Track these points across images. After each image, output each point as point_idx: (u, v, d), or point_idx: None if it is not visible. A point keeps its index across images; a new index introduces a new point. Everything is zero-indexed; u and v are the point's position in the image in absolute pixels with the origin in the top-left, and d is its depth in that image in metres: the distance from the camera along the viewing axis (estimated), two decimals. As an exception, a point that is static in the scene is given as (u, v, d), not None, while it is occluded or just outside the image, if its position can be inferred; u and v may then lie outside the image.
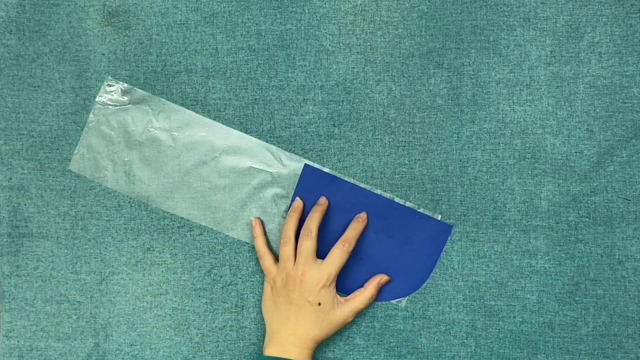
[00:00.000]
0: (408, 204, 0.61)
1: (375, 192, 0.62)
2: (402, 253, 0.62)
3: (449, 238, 0.61)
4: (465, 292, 0.62)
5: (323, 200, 0.61)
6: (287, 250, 0.59)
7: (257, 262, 0.63)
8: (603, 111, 0.59)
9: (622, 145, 0.60)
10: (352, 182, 0.62)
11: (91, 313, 0.65)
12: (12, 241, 0.65)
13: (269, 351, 0.57)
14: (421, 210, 0.61)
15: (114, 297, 0.65)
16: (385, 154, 0.62)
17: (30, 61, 0.64)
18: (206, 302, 0.64)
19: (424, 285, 0.62)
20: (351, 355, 0.63)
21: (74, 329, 0.65)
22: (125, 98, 0.63)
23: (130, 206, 0.64)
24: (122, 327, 0.65)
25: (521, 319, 0.61)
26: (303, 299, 0.57)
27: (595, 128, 0.60)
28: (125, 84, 0.63)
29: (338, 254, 0.58)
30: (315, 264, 0.58)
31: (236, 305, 0.64)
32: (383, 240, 0.62)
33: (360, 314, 0.62)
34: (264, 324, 0.63)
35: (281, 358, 0.56)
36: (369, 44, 0.61)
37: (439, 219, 0.61)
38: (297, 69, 0.62)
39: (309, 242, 0.58)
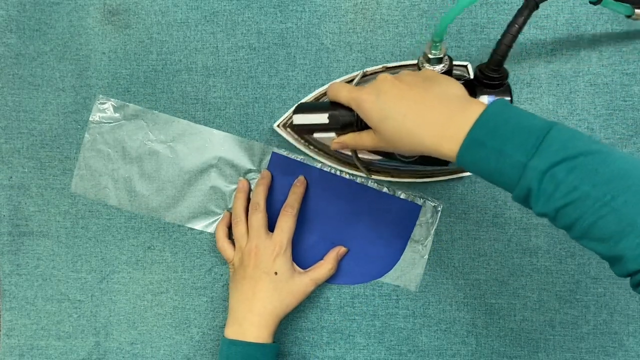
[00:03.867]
0: (374, 185, 0.61)
1: (343, 176, 0.62)
2: (372, 235, 0.62)
3: (436, 222, 0.61)
4: (466, 291, 0.62)
5: (265, 174, 0.61)
6: (239, 229, 0.59)
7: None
8: (603, 109, 0.59)
9: (622, 143, 0.60)
10: (319, 167, 0.62)
11: (92, 312, 0.65)
12: (13, 240, 0.65)
13: (227, 332, 0.57)
14: (398, 194, 0.61)
15: (114, 296, 0.65)
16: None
17: (30, 60, 0.64)
18: (207, 301, 0.64)
19: (424, 283, 0.62)
20: (352, 353, 0.63)
21: (74, 328, 0.65)
22: (118, 114, 0.63)
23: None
24: (123, 325, 0.65)
25: (522, 317, 0.61)
26: (259, 271, 0.57)
27: (596, 126, 0.60)
28: (117, 100, 0.63)
29: (284, 221, 0.58)
30: (266, 236, 0.58)
31: (237, 304, 0.64)
32: (352, 223, 0.62)
33: (360, 313, 0.62)
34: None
35: (237, 341, 0.55)
36: (369, 42, 0.61)
37: (420, 202, 0.61)
38: (297, 67, 0.62)
39: (257, 215, 0.58)
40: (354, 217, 0.62)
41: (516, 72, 0.60)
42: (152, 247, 0.64)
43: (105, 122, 0.63)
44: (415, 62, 0.50)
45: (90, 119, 0.63)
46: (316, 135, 0.52)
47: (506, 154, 0.37)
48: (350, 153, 0.56)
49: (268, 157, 0.62)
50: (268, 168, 0.62)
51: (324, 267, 0.60)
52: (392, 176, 0.60)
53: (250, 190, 0.62)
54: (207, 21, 0.63)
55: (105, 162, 0.64)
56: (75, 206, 0.65)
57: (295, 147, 0.61)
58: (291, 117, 0.54)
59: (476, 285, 0.62)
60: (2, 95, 0.65)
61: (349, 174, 0.61)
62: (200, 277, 0.64)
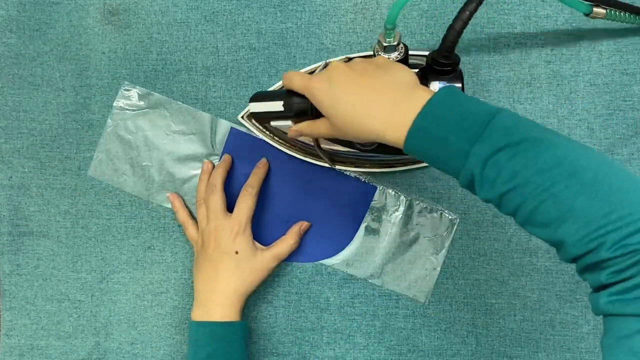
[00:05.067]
0: (328, 165, 0.61)
1: (301, 158, 0.61)
2: (327, 214, 0.62)
3: (451, 235, 0.61)
4: (466, 291, 0.62)
5: (226, 157, 0.62)
6: (201, 211, 0.60)
7: (258, 260, 0.63)
8: (603, 109, 0.59)
9: (622, 143, 0.59)
10: (277, 147, 0.61)
11: (92, 312, 0.65)
12: (13, 240, 0.65)
13: (193, 315, 0.57)
14: (415, 203, 0.61)
15: (114, 296, 0.65)
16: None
17: (30, 60, 0.64)
18: (207, 301, 0.64)
19: (423, 281, 0.62)
20: (352, 353, 0.63)
21: (74, 328, 0.65)
22: (143, 102, 0.63)
23: (131, 205, 0.64)
24: (123, 325, 0.65)
25: (522, 317, 0.61)
26: (219, 251, 0.57)
27: (596, 126, 0.60)
28: (143, 89, 0.63)
29: (244, 200, 0.58)
30: (225, 216, 0.58)
31: (237, 304, 0.64)
32: (308, 202, 0.62)
33: (360, 312, 0.62)
34: (265, 323, 0.63)
35: (204, 322, 0.56)
36: (369, 42, 0.61)
37: (436, 214, 0.61)
38: (297, 67, 0.62)
39: (214, 197, 0.58)
40: (310, 197, 0.62)
41: (516, 72, 0.60)
42: (152, 247, 0.64)
43: (128, 109, 0.63)
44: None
45: (114, 104, 0.63)
46: (273, 123, 0.52)
47: (450, 141, 0.38)
48: (312, 143, 0.56)
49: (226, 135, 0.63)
50: (226, 142, 0.62)
51: (286, 242, 0.60)
52: (356, 166, 0.60)
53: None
54: (207, 21, 0.63)
55: (125, 148, 0.64)
56: (75, 206, 0.65)
57: (260, 138, 0.61)
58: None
59: (476, 285, 0.62)
60: (2, 95, 0.65)
61: (312, 163, 0.61)
62: (200, 277, 0.64)
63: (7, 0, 0.64)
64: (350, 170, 0.61)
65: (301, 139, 0.59)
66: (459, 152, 0.38)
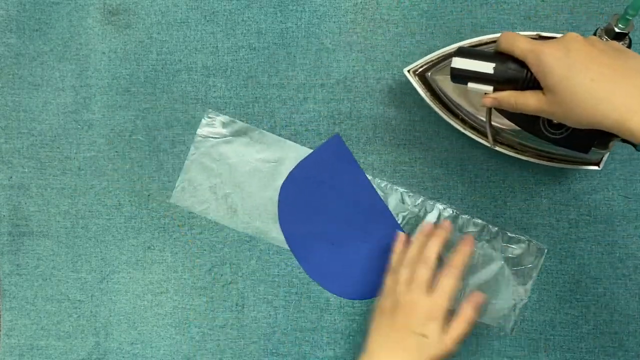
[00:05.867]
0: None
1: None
2: (370, 256, 0.62)
3: (539, 266, 0.61)
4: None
5: (447, 225, 0.57)
6: (405, 273, 0.54)
7: (258, 260, 0.63)
8: (604, 109, 0.59)
9: (622, 142, 0.59)
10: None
11: (92, 312, 0.65)
12: (13, 240, 0.65)
13: None
14: (505, 237, 0.60)
15: (114, 296, 0.65)
16: (386, 152, 0.62)
17: (30, 60, 0.64)
18: (207, 301, 0.64)
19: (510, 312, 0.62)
20: (352, 353, 0.63)
21: (74, 328, 0.65)
22: (226, 130, 0.63)
23: (131, 205, 0.64)
24: (123, 325, 0.65)
25: (522, 317, 0.61)
26: (407, 328, 0.52)
27: (596, 126, 0.60)
28: (226, 117, 0.63)
29: (448, 283, 0.52)
30: (427, 293, 0.52)
31: (237, 304, 0.64)
32: (357, 240, 0.62)
33: (360, 312, 0.62)
34: (265, 323, 0.63)
35: None
36: (369, 42, 0.61)
37: (524, 244, 0.60)
38: (297, 67, 0.62)
39: (425, 271, 0.53)
40: (367, 236, 0.62)
41: (516, 72, 0.60)
42: (152, 247, 0.64)
43: (212, 137, 0.63)
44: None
45: (198, 132, 0.63)
46: (470, 85, 0.46)
47: None
48: (484, 117, 0.52)
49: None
50: (324, 144, 0.62)
51: (463, 323, 0.53)
52: (517, 151, 0.56)
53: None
54: (207, 21, 0.63)
55: (208, 176, 0.63)
56: (75, 206, 0.65)
57: (422, 99, 0.57)
58: (426, 65, 0.49)
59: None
60: (2, 95, 0.65)
61: (473, 139, 0.57)
62: (200, 277, 0.64)
63: (7, 0, 0.64)
64: (509, 154, 0.57)
65: (465, 106, 0.55)
66: None
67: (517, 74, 0.44)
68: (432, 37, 0.61)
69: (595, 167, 0.56)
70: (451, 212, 0.61)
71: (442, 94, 0.56)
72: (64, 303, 0.65)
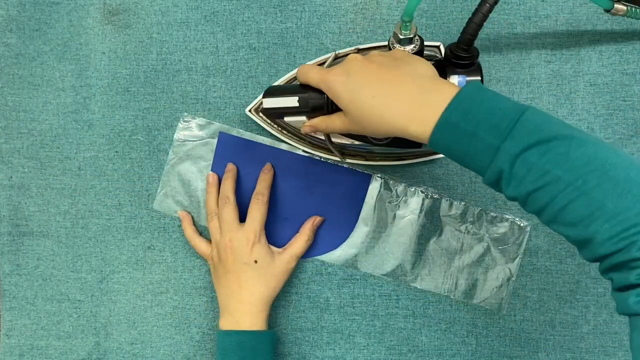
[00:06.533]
0: (323, 157, 0.61)
1: (293, 151, 0.61)
2: (325, 208, 0.62)
3: (524, 244, 0.61)
4: (466, 290, 0.62)
5: (231, 167, 0.61)
6: (213, 224, 0.59)
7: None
8: (603, 109, 0.59)
9: (622, 143, 0.59)
10: (267, 144, 0.62)
11: (92, 312, 0.65)
12: (13, 240, 0.65)
13: (221, 324, 0.57)
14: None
15: (114, 296, 0.65)
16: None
17: (30, 60, 0.64)
18: (207, 301, 0.64)
19: (497, 291, 0.62)
20: (352, 353, 0.63)
21: (74, 328, 0.65)
22: (203, 132, 0.63)
23: (131, 205, 0.64)
24: (123, 325, 0.65)
25: (522, 317, 0.61)
26: (239, 262, 0.57)
27: (596, 126, 0.60)
28: (202, 119, 0.63)
29: (256, 208, 0.58)
30: (239, 227, 0.58)
31: (237, 304, 0.64)
32: (305, 197, 0.62)
33: (360, 313, 0.62)
34: (265, 323, 0.63)
35: (232, 331, 0.56)
36: (369, 42, 0.61)
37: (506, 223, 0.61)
38: (297, 67, 0.62)
39: (227, 209, 0.58)
40: (306, 192, 0.62)
41: (516, 72, 0.60)
42: (152, 247, 0.64)
43: (189, 141, 0.63)
44: (386, 43, 0.50)
45: (175, 136, 0.63)
46: (287, 119, 0.51)
47: (479, 136, 0.37)
48: (323, 137, 0.56)
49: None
50: (216, 148, 0.62)
51: (301, 240, 0.60)
52: (366, 159, 0.60)
53: (219, 183, 0.62)
54: (207, 21, 0.63)
55: (185, 180, 0.63)
56: (75, 206, 0.65)
57: (269, 131, 0.61)
58: (262, 102, 0.54)
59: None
60: (2, 95, 0.65)
61: (322, 157, 0.61)
62: (200, 277, 0.64)
63: (7, 0, 0.64)
64: (360, 164, 0.61)
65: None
66: (488, 148, 0.37)
67: (318, 101, 0.47)
68: (432, 37, 0.61)
69: (440, 156, 0.59)
70: (434, 196, 0.61)
71: (284, 124, 0.60)
72: (64, 303, 0.65)
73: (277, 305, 0.63)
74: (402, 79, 0.42)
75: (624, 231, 0.33)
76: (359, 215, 0.62)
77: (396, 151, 0.59)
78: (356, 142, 0.58)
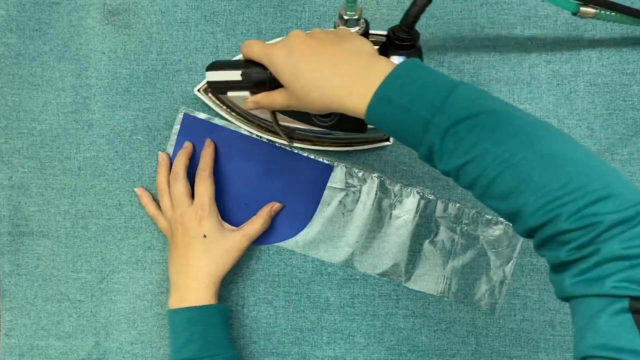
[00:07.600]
0: (287, 147, 0.61)
1: (256, 137, 0.62)
2: (285, 195, 0.62)
3: (518, 247, 0.61)
4: (465, 290, 0.62)
5: (186, 144, 0.62)
6: (165, 201, 0.60)
7: (258, 260, 0.63)
8: (603, 109, 0.59)
9: (622, 143, 0.60)
10: (232, 128, 0.62)
11: (92, 312, 0.65)
12: (13, 240, 0.65)
13: (170, 303, 0.57)
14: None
15: (114, 296, 0.65)
16: (386, 152, 0.62)
17: (30, 60, 0.64)
18: (207, 301, 0.64)
19: (491, 294, 0.62)
20: (352, 353, 0.63)
21: (74, 328, 0.65)
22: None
23: (131, 205, 0.64)
24: (123, 325, 0.65)
25: (522, 317, 0.61)
26: (188, 237, 0.57)
27: (596, 126, 0.60)
28: (202, 114, 0.62)
29: (200, 184, 0.59)
30: (189, 203, 0.58)
31: (237, 304, 0.64)
32: (265, 183, 0.62)
33: (360, 313, 0.62)
34: (265, 323, 0.63)
35: (179, 308, 0.56)
36: (369, 42, 0.61)
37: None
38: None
39: (177, 184, 0.59)
40: (268, 178, 0.62)
41: (516, 72, 0.60)
42: (152, 247, 0.64)
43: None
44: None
45: (174, 130, 0.63)
46: (230, 94, 0.51)
47: (412, 111, 0.38)
48: (270, 118, 0.55)
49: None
50: (180, 128, 0.63)
51: (257, 222, 0.60)
52: (314, 144, 0.60)
53: (171, 162, 0.62)
54: (207, 21, 0.63)
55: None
56: (75, 206, 0.65)
57: (217, 112, 0.61)
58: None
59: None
60: (2, 95, 0.65)
61: (269, 140, 0.61)
62: (200, 277, 0.64)
63: (7, 0, 0.64)
64: (308, 148, 0.60)
65: (258, 114, 0.59)
66: (420, 121, 0.38)
67: (261, 76, 0.47)
68: (432, 37, 0.61)
69: (387, 143, 0.60)
70: (429, 197, 0.61)
71: (233, 106, 0.60)
72: (64, 303, 0.65)
73: (277, 305, 0.63)
74: (342, 54, 0.42)
75: (549, 203, 0.33)
76: (318, 204, 0.62)
77: (344, 136, 0.59)
78: (303, 125, 0.57)
